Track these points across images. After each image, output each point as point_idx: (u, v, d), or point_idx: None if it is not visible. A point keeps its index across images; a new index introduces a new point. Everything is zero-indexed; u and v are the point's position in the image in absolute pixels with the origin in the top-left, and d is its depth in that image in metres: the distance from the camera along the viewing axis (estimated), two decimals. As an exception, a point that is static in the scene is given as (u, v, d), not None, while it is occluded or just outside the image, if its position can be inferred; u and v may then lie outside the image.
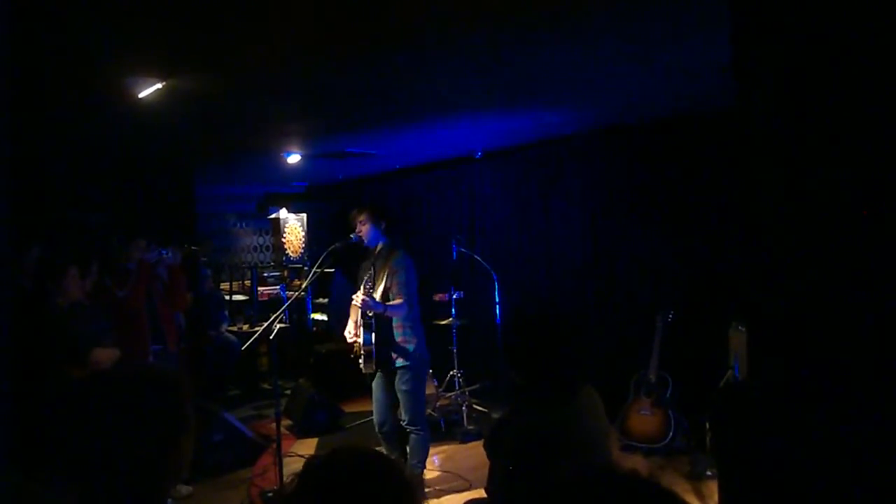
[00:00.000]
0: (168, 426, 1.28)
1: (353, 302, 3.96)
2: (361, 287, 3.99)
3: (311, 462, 1.14)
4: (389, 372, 3.94)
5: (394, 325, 3.90)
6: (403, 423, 3.95)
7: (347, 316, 4.15)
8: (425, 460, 4.09)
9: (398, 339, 3.90)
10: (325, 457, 1.13)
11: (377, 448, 2.72)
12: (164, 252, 4.60)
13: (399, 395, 3.94)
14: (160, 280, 4.62)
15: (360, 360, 3.94)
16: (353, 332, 4.03)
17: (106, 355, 3.84)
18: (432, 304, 5.84)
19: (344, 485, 1.08)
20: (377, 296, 3.87)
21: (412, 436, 3.96)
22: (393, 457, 3.68)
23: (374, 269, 3.97)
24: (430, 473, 4.52)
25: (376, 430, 4.09)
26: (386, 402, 4.02)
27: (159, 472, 1.27)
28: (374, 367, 3.91)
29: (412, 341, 3.91)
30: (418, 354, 3.92)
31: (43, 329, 3.70)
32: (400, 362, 3.89)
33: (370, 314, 3.88)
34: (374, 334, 3.87)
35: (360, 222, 3.96)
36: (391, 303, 3.86)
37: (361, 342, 3.91)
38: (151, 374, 1.41)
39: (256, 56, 3.21)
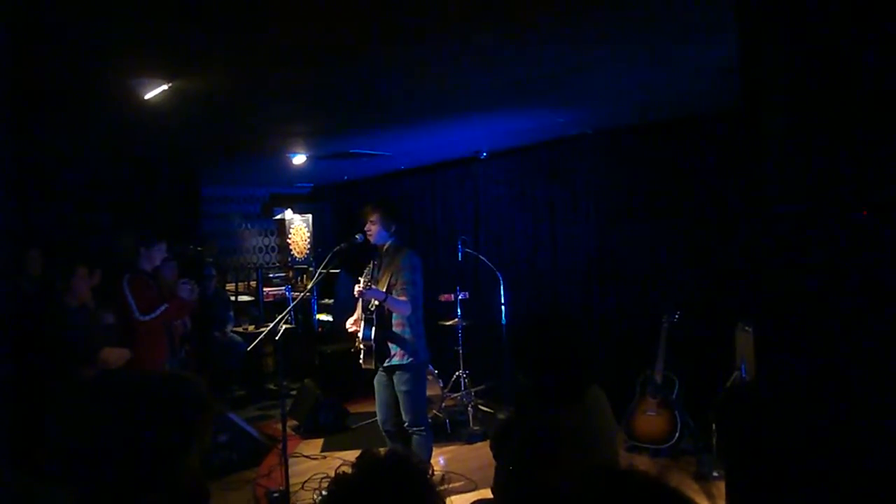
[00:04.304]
0: (183, 430, 1.28)
1: (355, 292, 3.93)
2: (362, 279, 3.97)
3: (341, 475, 1.15)
4: (389, 370, 3.93)
5: (394, 322, 3.87)
6: (405, 425, 3.93)
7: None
8: (429, 460, 4.07)
9: (397, 337, 3.89)
10: (355, 467, 1.15)
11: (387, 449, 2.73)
12: (186, 283, 4.45)
13: (399, 397, 3.91)
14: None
15: (360, 356, 3.95)
16: (353, 322, 4.04)
17: (115, 355, 3.85)
18: (438, 304, 5.85)
19: (370, 493, 1.09)
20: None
21: (415, 436, 3.93)
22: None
23: (380, 265, 3.96)
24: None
25: (380, 428, 4.10)
26: (387, 400, 4.00)
27: (170, 471, 1.27)
28: (373, 363, 3.90)
29: (411, 341, 3.87)
30: (417, 354, 3.88)
31: (53, 328, 3.72)
32: (397, 360, 3.85)
33: (371, 308, 3.88)
34: (373, 329, 3.85)
35: (371, 221, 3.94)
36: (394, 297, 3.83)
37: (361, 336, 3.90)
38: (171, 377, 1.42)
39: (262, 57, 3.21)
